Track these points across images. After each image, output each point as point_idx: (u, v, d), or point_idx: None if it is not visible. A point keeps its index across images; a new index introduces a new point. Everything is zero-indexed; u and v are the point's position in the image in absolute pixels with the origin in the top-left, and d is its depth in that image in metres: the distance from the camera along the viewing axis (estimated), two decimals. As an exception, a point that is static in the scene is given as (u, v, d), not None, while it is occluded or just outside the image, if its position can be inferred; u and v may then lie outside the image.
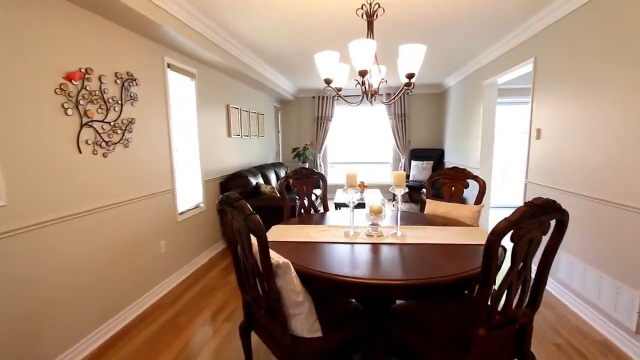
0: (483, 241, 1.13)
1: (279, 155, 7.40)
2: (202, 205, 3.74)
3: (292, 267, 1.37)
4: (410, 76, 1.81)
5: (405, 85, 1.92)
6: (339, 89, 2.26)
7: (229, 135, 4.48)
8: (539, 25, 3.09)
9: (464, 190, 2.51)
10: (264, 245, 1.26)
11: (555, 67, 2.93)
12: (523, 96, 5.88)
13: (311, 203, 2.80)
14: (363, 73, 1.82)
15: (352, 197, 2.02)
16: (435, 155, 6.85)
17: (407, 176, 7.04)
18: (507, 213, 1.10)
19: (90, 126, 2.19)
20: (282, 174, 5.91)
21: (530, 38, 3.27)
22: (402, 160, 7.19)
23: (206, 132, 3.86)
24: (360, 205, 4.44)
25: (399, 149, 7.19)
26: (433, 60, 4.68)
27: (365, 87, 2.11)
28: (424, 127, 7.25)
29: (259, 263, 1.32)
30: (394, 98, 2.38)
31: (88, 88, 2.15)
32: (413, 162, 6.92)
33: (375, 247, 1.80)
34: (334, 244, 1.85)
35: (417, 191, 6.30)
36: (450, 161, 6.28)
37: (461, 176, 2.51)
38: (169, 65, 3.06)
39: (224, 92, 4.34)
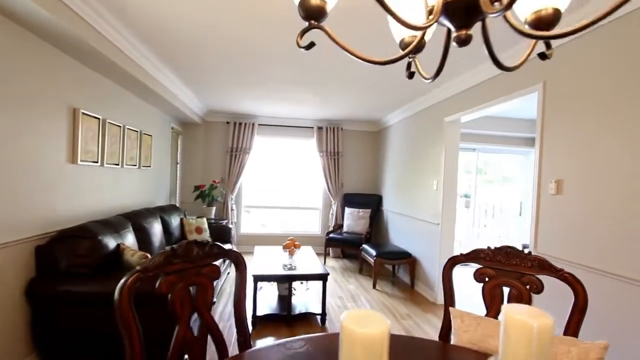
0: None
1: (175, 194, 5.47)
2: (-32, 302, 1.76)
3: None
4: None
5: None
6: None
7: (74, 160, 2.60)
8: (553, 41, 2.27)
9: (531, 294, 1.26)
10: None
11: (581, 94, 2.07)
12: (468, 142, 5.36)
13: (208, 322, 1.20)
14: None
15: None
16: (372, 202, 5.84)
17: (340, 226, 5.83)
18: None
19: None
20: (176, 223, 4.06)
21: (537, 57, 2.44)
22: (334, 207, 6.00)
23: (10, 152, 1.99)
24: (296, 277, 2.92)
25: (330, 192, 6.01)
26: (382, 90, 3.73)
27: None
28: (359, 169, 6.28)
29: None
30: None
31: None
32: (347, 210, 5.78)
33: None
34: None
35: (354, 246, 5.08)
36: (391, 210, 5.30)
37: (524, 266, 1.27)
38: None
39: (68, 85, 2.53)
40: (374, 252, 4.27)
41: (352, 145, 6.24)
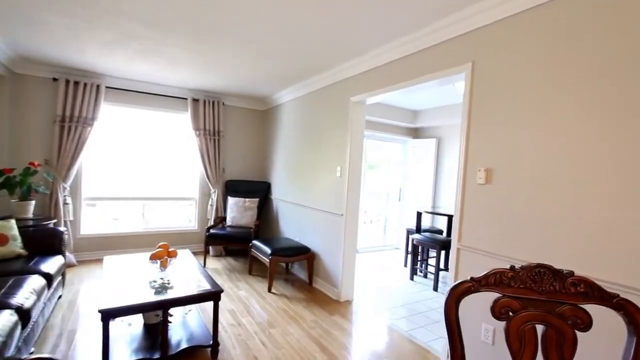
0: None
1: (-46, 182, 3.48)
2: None
3: None
4: None
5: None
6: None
7: None
8: (483, 17, 2.08)
9: (575, 334, 0.89)
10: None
11: (514, 76, 1.94)
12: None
13: None
14: None
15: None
16: (260, 190, 5.17)
17: (223, 219, 4.95)
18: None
19: None
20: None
21: (466, 35, 2.24)
22: (214, 196, 5.04)
23: None
24: (174, 302, 2.06)
25: (209, 179, 5.02)
26: (279, 59, 3.08)
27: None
28: (243, 152, 5.46)
29: None
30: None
31: None
32: (230, 199, 4.94)
33: None
34: None
35: (241, 242, 4.35)
36: (282, 199, 4.76)
37: (566, 292, 0.89)
38: None
39: None
40: (268, 250, 3.65)
41: (235, 124, 5.36)
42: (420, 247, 4.38)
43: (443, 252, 4.11)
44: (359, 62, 3.13)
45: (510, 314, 0.91)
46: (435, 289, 3.89)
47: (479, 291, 0.93)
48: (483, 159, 2.11)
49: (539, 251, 1.79)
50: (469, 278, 0.95)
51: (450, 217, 4.33)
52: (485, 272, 0.94)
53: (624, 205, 1.50)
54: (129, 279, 2.37)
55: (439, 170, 5.51)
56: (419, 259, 4.41)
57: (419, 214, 4.47)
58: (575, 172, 1.66)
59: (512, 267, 0.92)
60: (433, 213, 4.13)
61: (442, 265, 4.07)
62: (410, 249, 4.54)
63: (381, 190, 6.31)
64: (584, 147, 1.63)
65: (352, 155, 3.39)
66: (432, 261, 4.78)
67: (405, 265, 4.84)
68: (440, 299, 3.64)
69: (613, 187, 1.53)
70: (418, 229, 4.44)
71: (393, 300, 3.52)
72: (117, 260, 2.79)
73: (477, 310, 2.11)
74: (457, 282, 0.95)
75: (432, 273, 4.25)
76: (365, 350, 2.49)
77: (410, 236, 4.49)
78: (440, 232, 4.70)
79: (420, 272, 4.44)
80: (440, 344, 2.61)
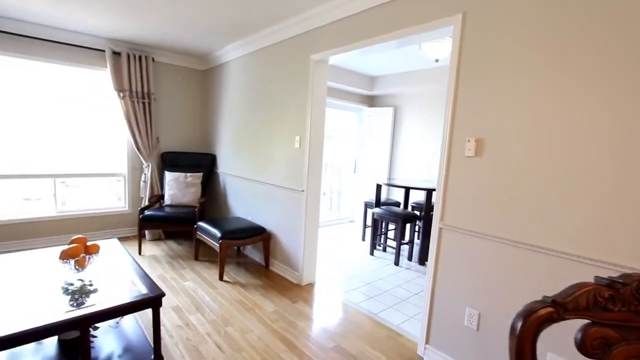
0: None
1: None
2: None
3: None
4: None
5: None
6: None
7: None
8: (483, -45, 1.75)
9: None
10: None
11: (514, 31, 1.67)
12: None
13: None
14: None
15: None
16: (205, 163, 4.54)
17: (160, 197, 4.28)
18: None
19: None
20: None
21: (458, -21, 1.89)
22: (147, 171, 4.31)
23: None
24: (96, 317, 1.57)
25: (139, 151, 4.25)
26: (224, 2, 2.46)
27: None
28: (182, 119, 4.71)
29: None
30: None
31: None
32: (168, 175, 4.26)
33: None
34: None
35: (183, 224, 3.77)
36: (230, 173, 4.22)
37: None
38: None
39: None
40: (218, 233, 3.17)
41: (170, 85, 4.55)
42: (379, 221, 4.23)
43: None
44: (323, 11, 2.64)
45: (607, 347, 0.64)
46: (397, 263, 3.79)
47: (565, 319, 0.64)
48: (473, 127, 1.85)
49: (538, 233, 1.62)
50: (549, 301, 0.65)
51: (407, 190, 4.22)
52: (570, 290, 0.65)
53: (631, 181, 1.34)
54: (31, 286, 1.77)
55: (395, 141, 5.35)
56: (378, 232, 4.27)
57: (379, 187, 4.28)
58: (582, 145, 1.47)
59: (610, 283, 0.64)
60: (394, 185, 3.94)
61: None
62: (370, 223, 4.37)
63: (335, 162, 6.02)
64: (593, 117, 1.43)
65: (314, 124, 2.98)
66: (390, 234, 4.71)
67: (364, 239, 4.70)
68: (402, 274, 3.54)
69: (623, 162, 1.36)
70: (378, 202, 4.27)
71: (357, 280, 3.33)
72: (13, 260, 2.12)
73: (459, 291, 1.94)
74: (529, 307, 0.65)
75: (392, 247, 4.16)
76: (337, 344, 2.24)
77: (370, 210, 4.31)
78: (397, 204, 4.60)
79: (379, 245, 4.33)
80: (412, 326, 2.48)
